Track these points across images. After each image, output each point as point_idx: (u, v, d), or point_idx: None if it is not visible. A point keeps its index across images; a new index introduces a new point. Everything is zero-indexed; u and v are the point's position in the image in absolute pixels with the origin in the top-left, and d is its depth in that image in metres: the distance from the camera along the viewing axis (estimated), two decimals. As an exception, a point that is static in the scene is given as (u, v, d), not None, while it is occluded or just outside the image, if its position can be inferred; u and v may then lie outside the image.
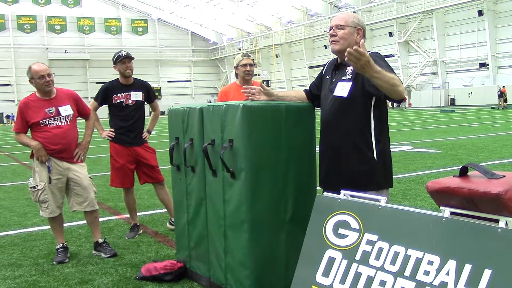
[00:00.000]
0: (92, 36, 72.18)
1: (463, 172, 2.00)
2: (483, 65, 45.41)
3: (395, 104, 49.12)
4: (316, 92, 3.13)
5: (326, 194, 2.61)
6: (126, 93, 4.92)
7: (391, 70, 2.70)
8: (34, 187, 4.26)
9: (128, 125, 4.93)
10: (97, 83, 71.37)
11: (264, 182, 2.93)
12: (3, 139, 24.51)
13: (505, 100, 37.39)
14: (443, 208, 1.97)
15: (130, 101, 4.93)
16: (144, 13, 74.15)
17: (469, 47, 46.44)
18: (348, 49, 2.46)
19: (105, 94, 4.94)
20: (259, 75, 68.14)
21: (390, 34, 52.66)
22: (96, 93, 5.06)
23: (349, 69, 2.84)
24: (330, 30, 2.92)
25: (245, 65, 4.54)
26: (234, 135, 2.91)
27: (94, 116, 4.80)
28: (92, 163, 11.15)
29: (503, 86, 39.73)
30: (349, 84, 2.80)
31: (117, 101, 4.91)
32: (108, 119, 5.02)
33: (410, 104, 50.65)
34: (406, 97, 51.22)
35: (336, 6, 57.77)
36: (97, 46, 71.94)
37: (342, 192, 2.46)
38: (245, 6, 65.16)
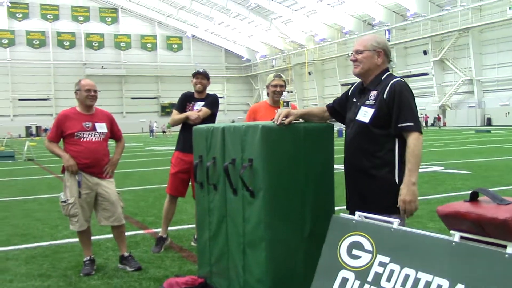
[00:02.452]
0: (128, 53, 74.03)
1: (474, 197, 2.02)
2: (520, 84, 44.43)
3: (429, 123, 48.15)
4: (339, 108, 3.19)
5: (342, 214, 2.65)
6: (193, 103, 5.27)
7: (408, 106, 2.78)
8: (64, 201, 4.42)
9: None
10: (132, 98, 73.10)
11: (282, 201, 3.00)
12: (41, 152, 25.25)
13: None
14: (453, 232, 1.99)
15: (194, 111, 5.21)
16: (179, 30, 75.65)
17: (507, 66, 45.50)
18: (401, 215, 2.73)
19: (182, 102, 5.31)
20: (291, 91, 68.34)
21: (425, 52, 52.13)
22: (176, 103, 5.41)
23: (373, 94, 2.89)
24: (351, 55, 3.01)
25: (275, 85, 4.66)
26: (254, 155, 2.99)
27: (175, 121, 5.19)
28: (123, 177, 11.41)
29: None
30: (372, 110, 2.85)
31: (187, 110, 5.22)
32: (179, 129, 5.35)
33: (444, 123, 49.81)
34: (441, 116, 50.46)
35: (370, 24, 57.65)
36: (133, 62, 73.69)
37: (357, 213, 2.50)
38: (279, 24, 65.71)
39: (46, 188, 10.49)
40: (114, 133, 4.70)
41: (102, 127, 4.53)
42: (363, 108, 2.89)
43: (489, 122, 46.28)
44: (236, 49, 78.15)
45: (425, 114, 50.90)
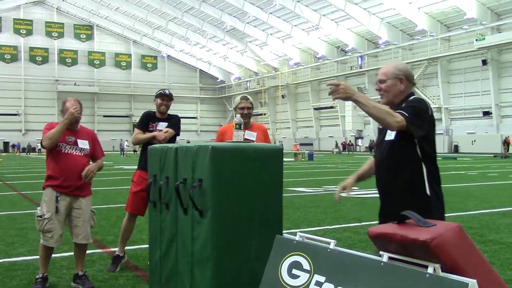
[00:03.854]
0: (102, 70, 73.63)
1: (402, 219, 2.12)
2: (486, 113, 45.74)
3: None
4: None
5: (285, 235, 2.71)
6: (155, 123, 5.30)
7: (414, 108, 2.86)
8: (40, 216, 4.38)
9: None
10: (104, 116, 72.42)
11: (230, 221, 3.05)
12: (6, 168, 24.71)
13: (507, 149, 37.50)
14: (382, 253, 2.07)
15: (157, 131, 5.23)
16: (154, 50, 75.70)
17: (473, 95, 46.89)
18: (328, 83, 2.69)
19: (144, 121, 5.32)
20: (265, 114, 68.78)
21: (395, 79, 53.31)
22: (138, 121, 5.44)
23: None
24: (376, 85, 3.15)
25: (242, 108, 4.78)
26: (203, 174, 3.05)
27: (139, 140, 5.22)
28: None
29: (508, 136, 39.98)
30: None
31: (151, 129, 5.25)
32: (140, 149, 5.39)
33: (413, 149, 50.76)
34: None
35: (343, 50, 58.79)
36: (106, 80, 73.26)
37: (298, 233, 2.58)
38: (253, 47, 66.46)
39: (7, 205, 10.28)
40: (96, 152, 4.71)
41: (84, 144, 4.58)
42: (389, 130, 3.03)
43: (456, 149, 47.39)
44: (210, 70, 78.56)
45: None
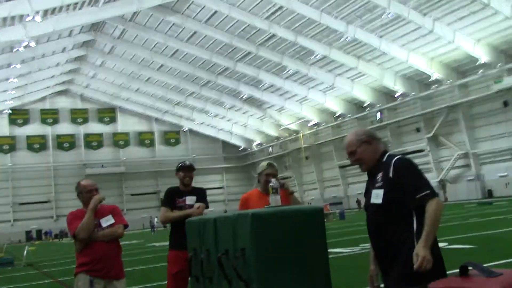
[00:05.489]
0: (127, 150, 75.24)
1: (463, 271, 2.01)
2: (516, 154, 44.82)
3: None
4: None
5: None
6: (183, 198, 5.20)
7: (418, 177, 2.86)
8: None
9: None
10: (132, 194, 73.13)
11: (277, 289, 2.94)
12: (41, 257, 24.81)
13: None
14: (448, 310, 1.95)
15: (186, 206, 5.16)
16: (175, 125, 77.32)
17: (500, 138, 46.13)
18: (415, 269, 2.61)
19: (170, 197, 5.24)
20: (290, 177, 68.54)
21: (418, 130, 53.06)
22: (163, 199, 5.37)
23: (379, 175, 3.00)
24: (350, 160, 3.18)
25: (268, 174, 4.64)
26: (245, 244, 2.98)
27: (171, 219, 5.12)
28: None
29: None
30: (382, 191, 2.94)
31: (178, 205, 5.16)
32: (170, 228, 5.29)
33: (446, 198, 49.55)
34: (439, 192, 50.34)
35: (361, 107, 59.13)
36: (132, 159, 74.62)
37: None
38: (272, 112, 67.40)
39: (44, 294, 10.21)
40: (116, 222, 4.59)
41: (108, 220, 4.52)
42: (374, 192, 3.00)
43: (490, 194, 46.08)
44: (232, 139, 79.50)
45: (426, 191, 50.80)
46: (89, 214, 4.36)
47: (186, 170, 5.26)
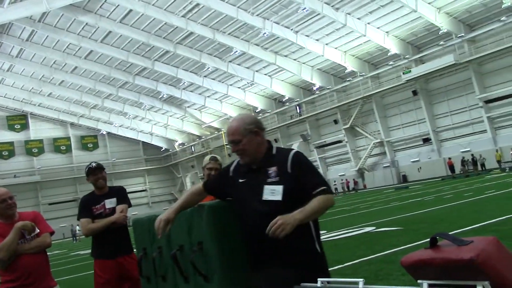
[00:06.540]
0: (42, 158, 71.42)
1: (433, 243, 2.06)
2: (426, 140, 47.62)
3: (350, 187, 49.67)
4: (218, 188, 3.07)
5: (303, 284, 2.57)
6: (101, 204, 4.88)
7: (315, 173, 2.77)
8: None
9: (110, 235, 4.81)
10: (50, 204, 69.61)
11: (239, 280, 2.88)
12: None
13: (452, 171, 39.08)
14: (421, 282, 1.99)
15: (107, 211, 4.86)
16: (93, 129, 74.55)
17: (411, 125, 48.84)
18: (269, 232, 2.51)
19: (85, 207, 4.90)
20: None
21: (336, 122, 54.92)
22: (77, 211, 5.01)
23: (273, 170, 2.77)
24: (230, 145, 2.92)
25: (210, 168, 4.60)
26: (203, 237, 2.89)
27: (95, 230, 4.77)
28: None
29: (449, 158, 41.95)
30: (280, 187, 2.72)
31: (96, 213, 4.85)
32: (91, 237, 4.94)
33: (365, 186, 51.74)
34: (358, 179, 52.56)
35: (280, 101, 60.21)
36: (47, 167, 71.00)
37: (319, 280, 2.45)
38: (193, 111, 66.92)
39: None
40: (41, 230, 4.20)
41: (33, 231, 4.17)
42: (267, 187, 2.74)
43: (405, 179, 48.67)
44: (153, 141, 77.98)
45: (346, 180, 52.84)
46: (12, 236, 3.96)
47: (95, 171, 4.93)
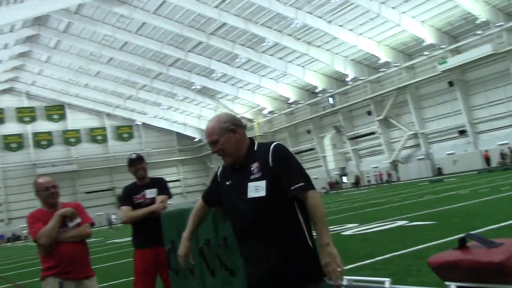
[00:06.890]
0: (79, 147, 73.16)
1: (462, 244, 2.01)
2: (462, 132, 46.49)
3: (383, 180, 48.98)
4: (216, 197, 2.97)
5: (328, 281, 2.54)
6: (141, 194, 4.99)
7: (295, 167, 2.68)
8: None
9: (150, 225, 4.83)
10: (87, 192, 71.33)
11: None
12: (-7, 261, 23.87)
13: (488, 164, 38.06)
14: (448, 283, 1.95)
15: (147, 200, 4.95)
16: (128, 120, 75.84)
17: (447, 117, 47.74)
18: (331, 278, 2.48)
19: (127, 196, 5.02)
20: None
21: (369, 113, 54.19)
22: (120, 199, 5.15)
23: (255, 166, 2.71)
24: (211, 149, 2.87)
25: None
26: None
27: (134, 218, 4.89)
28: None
29: (486, 151, 40.85)
30: (263, 182, 2.66)
31: (136, 202, 4.96)
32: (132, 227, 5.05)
33: (398, 178, 50.98)
34: (391, 172, 51.81)
35: (313, 92, 59.77)
36: (84, 156, 72.72)
37: (345, 278, 2.43)
38: (226, 102, 67.18)
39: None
40: (82, 221, 4.34)
41: (75, 221, 4.28)
42: (251, 184, 2.68)
43: (439, 171, 47.72)
44: (186, 131, 78.78)
45: (379, 172, 52.20)
46: (54, 222, 4.10)
47: (136, 163, 5.04)
